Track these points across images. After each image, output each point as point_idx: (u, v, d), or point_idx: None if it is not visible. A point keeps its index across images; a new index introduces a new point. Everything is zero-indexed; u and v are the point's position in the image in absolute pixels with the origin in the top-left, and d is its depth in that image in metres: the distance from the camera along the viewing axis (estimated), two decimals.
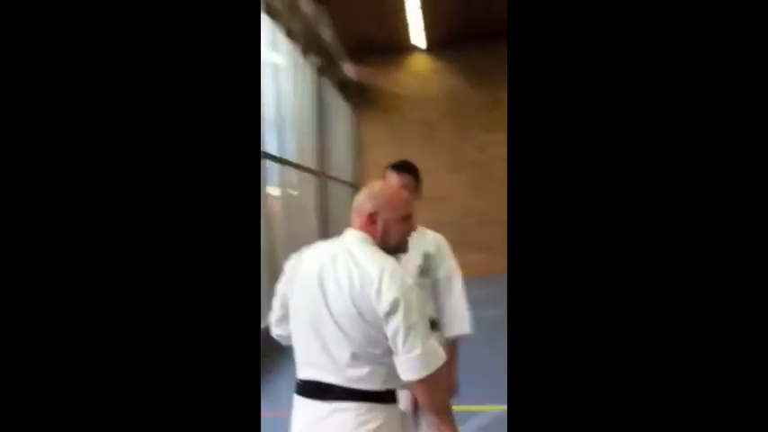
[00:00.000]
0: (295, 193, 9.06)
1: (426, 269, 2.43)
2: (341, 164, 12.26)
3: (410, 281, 1.58)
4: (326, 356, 1.59)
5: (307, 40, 9.63)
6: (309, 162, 9.81)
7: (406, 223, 1.74)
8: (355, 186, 13.30)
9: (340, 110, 12.60)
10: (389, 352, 1.56)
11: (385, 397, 1.60)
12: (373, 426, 1.57)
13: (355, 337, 1.56)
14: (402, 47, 12.78)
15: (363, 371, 1.57)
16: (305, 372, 1.65)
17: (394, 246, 1.71)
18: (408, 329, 1.50)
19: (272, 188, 7.91)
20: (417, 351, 1.51)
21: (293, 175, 9.01)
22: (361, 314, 1.55)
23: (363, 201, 1.71)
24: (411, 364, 1.52)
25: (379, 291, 1.52)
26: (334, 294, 1.58)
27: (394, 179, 2.45)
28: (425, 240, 2.48)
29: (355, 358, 1.57)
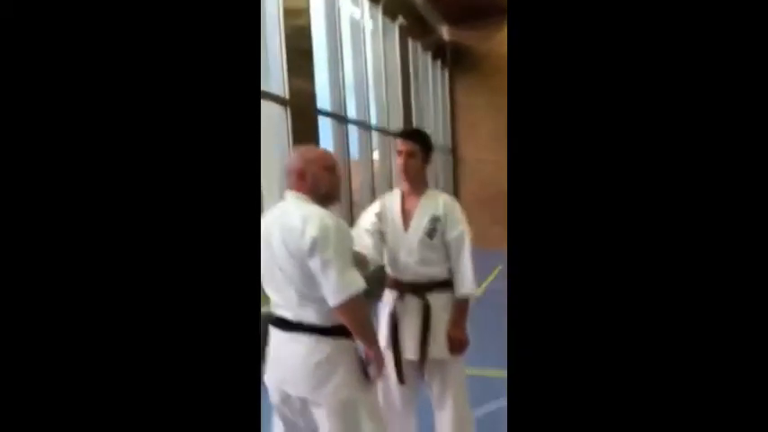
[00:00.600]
0: (377, 158, 9.07)
1: (433, 231, 2.54)
2: (432, 129, 12.12)
3: (330, 222, 1.83)
4: (282, 297, 1.92)
5: (393, 2, 9.50)
6: (396, 127, 9.76)
7: (331, 173, 2.02)
8: (449, 151, 13.12)
9: (432, 74, 12.40)
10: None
11: (332, 331, 1.87)
12: (321, 356, 1.86)
13: (295, 279, 1.85)
14: (502, 9, 12.31)
15: (310, 309, 1.87)
16: (275, 309, 1.98)
17: (324, 194, 1.99)
18: (326, 263, 1.78)
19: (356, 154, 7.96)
20: (332, 280, 1.78)
21: (378, 139, 9.02)
22: (293, 256, 1.83)
23: (292, 162, 2.01)
24: (329, 291, 1.79)
25: (302, 233, 1.81)
26: (277, 246, 1.87)
27: (399, 145, 2.60)
28: (435, 204, 2.59)
29: (302, 297, 1.86)
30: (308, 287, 1.84)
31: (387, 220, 2.63)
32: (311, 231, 1.79)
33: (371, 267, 2.48)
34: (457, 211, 2.59)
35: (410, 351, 2.54)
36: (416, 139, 2.61)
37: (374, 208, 2.71)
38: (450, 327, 2.53)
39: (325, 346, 1.87)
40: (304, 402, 1.92)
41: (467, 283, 2.52)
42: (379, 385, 2.59)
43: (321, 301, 1.83)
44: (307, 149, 2.09)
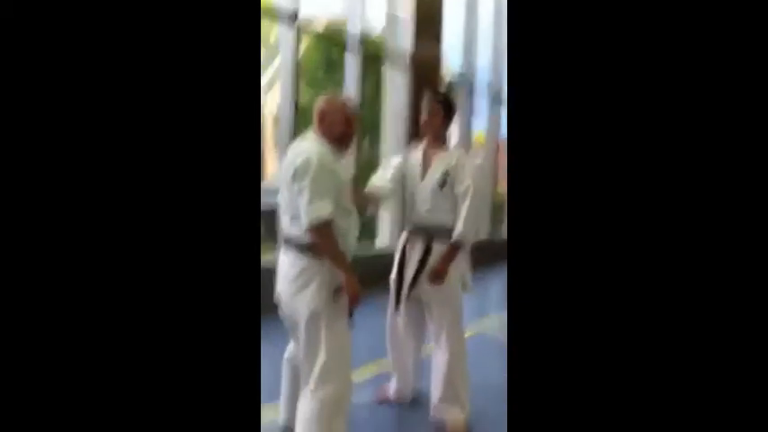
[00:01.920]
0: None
1: (443, 182, 2.90)
2: None
3: (313, 158, 2.15)
4: (284, 218, 2.31)
5: None
6: None
7: (349, 123, 2.34)
8: None
9: None
10: None
11: (310, 248, 2.22)
12: (299, 268, 2.24)
13: (289, 202, 2.23)
14: None
15: (295, 227, 2.24)
16: (283, 230, 2.37)
17: (337, 139, 2.32)
18: (301, 189, 2.13)
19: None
20: (303, 204, 2.13)
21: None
22: (286, 181, 2.22)
23: (316, 106, 2.35)
24: (302, 213, 2.13)
25: (292, 163, 2.19)
26: (283, 173, 2.28)
27: (425, 104, 2.98)
28: (450, 160, 2.94)
29: (292, 217, 2.25)
30: (295, 208, 2.19)
31: (409, 168, 3.02)
32: (296, 162, 2.14)
33: (385, 199, 2.97)
34: (468, 167, 2.90)
35: (407, 285, 2.96)
36: (439, 100, 2.97)
37: (401, 156, 3.14)
38: (438, 262, 2.86)
39: (302, 260, 2.22)
40: (292, 314, 2.28)
41: (459, 228, 2.81)
42: (388, 317, 3.09)
43: (299, 221, 2.17)
44: (331, 97, 2.36)
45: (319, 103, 2.34)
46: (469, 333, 3.93)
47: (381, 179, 3.03)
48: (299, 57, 5.30)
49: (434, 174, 2.92)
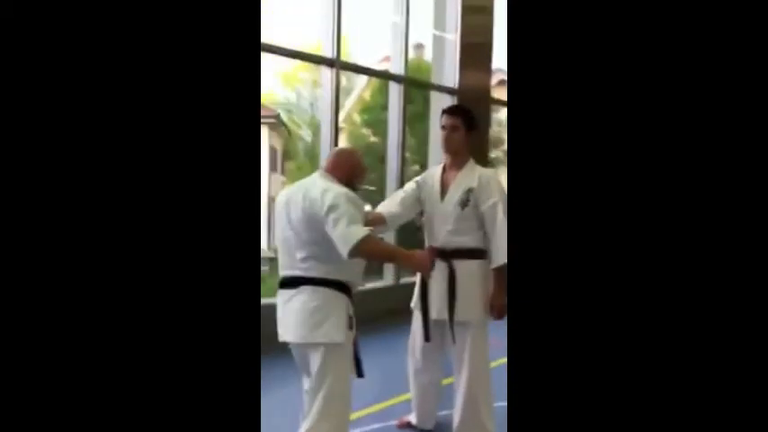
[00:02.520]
0: None
1: (466, 201, 2.77)
2: None
3: (342, 192, 2.23)
4: (290, 258, 2.34)
5: None
6: None
7: (362, 177, 2.48)
8: None
9: None
10: (328, 250, 2.21)
11: (328, 283, 2.28)
12: (318, 302, 2.27)
13: (309, 241, 2.27)
14: None
15: (313, 266, 2.29)
16: (281, 272, 2.41)
17: (346, 180, 2.40)
18: (336, 221, 2.18)
19: None
20: (338, 233, 2.17)
21: None
22: (310, 220, 2.25)
23: (336, 155, 2.51)
24: (339, 243, 2.17)
25: (322, 200, 2.22)
26: (295, 213, 2.30)
27: (443, 120, 2.87)
28: (472, 177, 2.81)
29: (310, 257, 2.29)
30: (320, 246, 2.23)
31: (427, 190, 2.89)
32: (328, 200, 2.19)
33: (391, 224, 2.89)
34: (492, 184, 2.76)
35: (435, 311, 2.81)
36: (459, 114, 2.86)
37: (419, 178, 3.00)
38: (492, 296, 2.74)
39: (321, 294, 2.26)
40: (304, 348, 2.30)
41: (500, 253, 2.66)
42: (409, 342, 2.97)
43: (324, 259, 2.25)
44: (354, 154, 2.54)
45: (336, 154, 2.51)
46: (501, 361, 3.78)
47: (391, 204, 2.94)
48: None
49: (455, 193, 2.80)
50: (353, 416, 2.63)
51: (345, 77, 5.82)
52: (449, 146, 2.85)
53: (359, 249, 2.16)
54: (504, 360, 4.27)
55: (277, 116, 13.14)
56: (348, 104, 11.07)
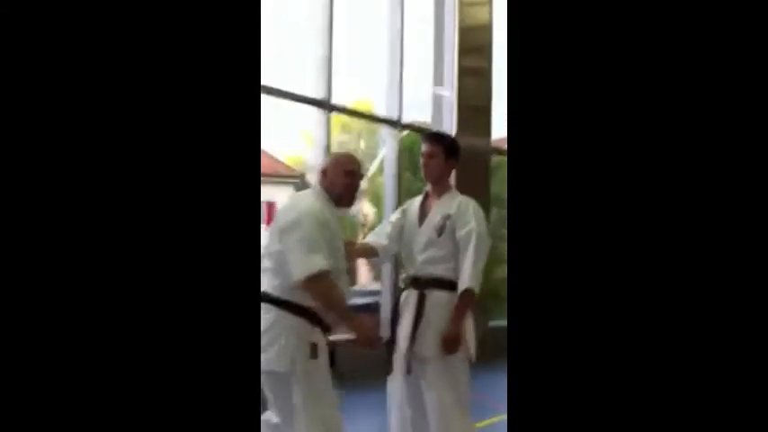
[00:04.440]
0: None
1: (442, 228, 2.62)
2: None
3: (308, 210, 2.11)
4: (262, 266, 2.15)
5: None
6: None
7: (350, 178, 2.26)
8: None
9: None
10: (280, 266, 2.09)
11: (281, 304, 2.10)
12: (267, 323, 2.06)
13: (272, 252, 2.14)
14: None
15: (268, 279, 2.13)
16: None
17: (338, 194, 2.25)
18: (293, 246, 2.05)
19: None
20: (292, 258, 2.04)
21: None
22: (274, 233, 2.14)
23: (322, 162, 2.34)
24: (293, 268, 2.04)
25: (285, 215, 2.14)
26: (275, 224, 2.19)
27: (422, 147, 2.75)
28: (450, 204, 2.68)
29: (270, 270, 2.13)
30: (277, 261, 2.09)
31: (408, 217, 2.77)
32: (291, 215, 2.08)
33: (383, 255, 2.79)
34: (470, 211, 2.64)
35: (403, 344, 2.59)
36: (438, 141, 2.77)
37: (404, 206, 2.90)
38: (447, 323, 2.52)
39: (271, 315, 2.06)
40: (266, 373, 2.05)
41: (465, 278, 2.51)
42: (388, 384, 2.66)
43: (278, 274, 2.07)
44: (338, 154, 2.41)
45: (325, 159, 2.46)
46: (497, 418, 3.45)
47: (378, 235, 2.80)
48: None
49: (433, 220, 2.67)
50: None
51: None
52: (428, 173, 2.74)
53: (310, 282, 2.01)
54: (497, 419, 3.78)
55: (301, 176, 13.49)
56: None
